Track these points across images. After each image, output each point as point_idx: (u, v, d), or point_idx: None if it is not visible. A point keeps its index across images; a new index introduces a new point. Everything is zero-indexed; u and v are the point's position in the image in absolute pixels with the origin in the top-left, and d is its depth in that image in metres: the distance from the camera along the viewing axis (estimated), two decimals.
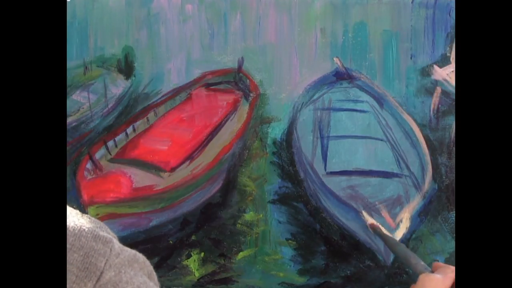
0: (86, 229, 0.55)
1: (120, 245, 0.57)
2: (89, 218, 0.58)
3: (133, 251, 0.58)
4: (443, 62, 1.04)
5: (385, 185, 1.04)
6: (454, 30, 1.03)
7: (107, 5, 1.05)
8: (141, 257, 0.58)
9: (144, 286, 0.55)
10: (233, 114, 1.06)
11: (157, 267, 1.05)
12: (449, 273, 0.74)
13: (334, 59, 1.05)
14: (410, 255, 0.82)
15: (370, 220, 1.01)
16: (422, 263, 0.79)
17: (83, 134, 1.05)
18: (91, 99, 1.06)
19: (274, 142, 1.05)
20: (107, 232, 0.57)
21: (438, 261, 1.02)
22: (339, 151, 1.05)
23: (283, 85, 1.05)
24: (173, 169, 1.05)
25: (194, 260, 1.06)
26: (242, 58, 1.05)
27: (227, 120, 1.06)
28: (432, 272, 0.77)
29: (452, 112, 1.03)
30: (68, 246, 0.52)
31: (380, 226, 1.00)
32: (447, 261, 1.03)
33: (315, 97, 1.05)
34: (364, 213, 1.03)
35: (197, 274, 1.06)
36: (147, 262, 0.59)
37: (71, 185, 1.04)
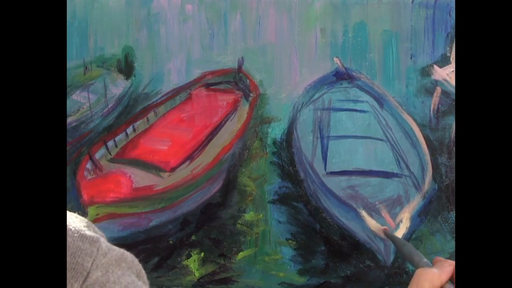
0: (73, 229, 0.54)
1: (108, 244, 0.56)
2: (77, 217, 0.57)
3: (121, 250, 0.57)
4: (443, 62, 1.04)
5: (385, 185, 1.04)
6: (454, 30, 1.03)
7: (107, 5, 1.05)
8: (129, 256, 0.57)
9: (132, 285, 0.54)
10: (233, 114, 1.06)
11: (157, 267, 1.05)
12: (446, 267, 0.72)
13: (334, 59, 1.05)
14: (415, 253, 0.82)
15: (379, 226, 1.02)
16: (425, 260, 0.79)
17: (83, 134, 1.05)
18: (91, 99, 1.06)
19: (274, 142, 1.05)
20: (94, 231, 0.57)
21: None
22: (339, 151, 1.05)
23: (283, 85, 1.05)
24: (173, 169, 1.05)
25: (194, 260, 1.06)
26: (242, 58, 1.04)
27: (227, 120, 1.06)
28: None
29: (452, 112, 1.03)
30: None
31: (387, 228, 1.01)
32: None
33: (315, 97, 1.05)
34: (364, 213, 1.03)
35: (197, 274, 1.06)
36: (136, 261, 0.58)
37: (71, 185, 1.04)
